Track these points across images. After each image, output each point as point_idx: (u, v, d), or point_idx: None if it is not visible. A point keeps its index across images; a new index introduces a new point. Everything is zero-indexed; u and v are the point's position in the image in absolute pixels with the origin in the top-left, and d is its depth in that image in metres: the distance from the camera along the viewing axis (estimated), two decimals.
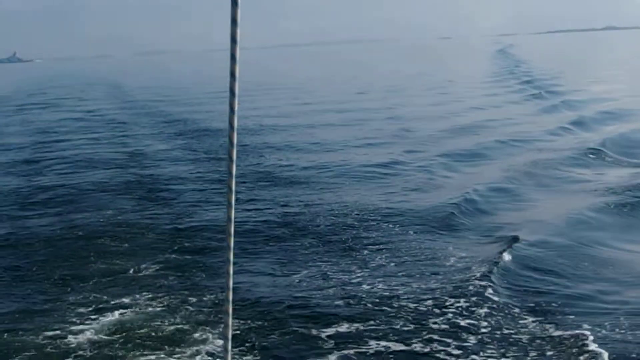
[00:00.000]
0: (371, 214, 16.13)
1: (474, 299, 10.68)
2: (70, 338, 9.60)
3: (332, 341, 9.43)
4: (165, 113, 43.53)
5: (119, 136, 33.25)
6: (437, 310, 10.29)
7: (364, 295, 11.00)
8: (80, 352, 9.19)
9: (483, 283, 11.24)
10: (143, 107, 49.44)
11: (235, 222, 2.94)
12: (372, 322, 9.93)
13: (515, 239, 13.54)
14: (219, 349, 9.05)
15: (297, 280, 11.89)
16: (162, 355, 9.07)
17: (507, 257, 12.49)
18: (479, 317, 10.05)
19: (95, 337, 9.64)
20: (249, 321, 10.06)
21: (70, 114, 47.27)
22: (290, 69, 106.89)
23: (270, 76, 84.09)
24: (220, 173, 21.90)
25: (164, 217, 16.64)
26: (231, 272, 2.93)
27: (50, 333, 9.81)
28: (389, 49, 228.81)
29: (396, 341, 9.32)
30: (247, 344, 9.34)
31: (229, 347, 3.12)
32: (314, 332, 9.73)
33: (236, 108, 2.66)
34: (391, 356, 8.95)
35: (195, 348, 9.26)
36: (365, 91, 55.28)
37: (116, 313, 10.51)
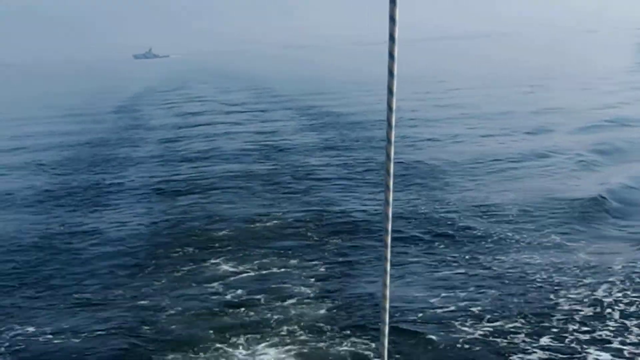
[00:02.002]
0: (510, 210, 15.85)
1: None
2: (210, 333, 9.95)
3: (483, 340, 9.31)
4: (308, 106, 44.44)
5: (262, 128, 34.50)
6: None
7: (516, 300, 10.74)
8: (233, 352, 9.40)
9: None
10: (287, 99, 50.94)
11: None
12: (526, 326, 9.73)
13: None
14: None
15: (442, 279, 11.69)
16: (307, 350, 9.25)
17: None
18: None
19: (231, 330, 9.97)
20: (398, 322, 9.86)
21: (213, 105, 50.13)
22: (419, 63, 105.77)
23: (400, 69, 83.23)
24: (351, 167, 22.23)
25: (312, 212, 16.70)
26: (388, 268, 2.92)
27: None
28: (519, 43, 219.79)
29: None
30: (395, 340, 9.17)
31: (385, 354, 3.09)
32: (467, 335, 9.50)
33: (394, 106, 2.64)
34: None
35: (345, 348, 9.26)
36: (502, 85, 54.13)
37: (272, 308, 10.78)
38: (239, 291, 11.71)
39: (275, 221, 15.94)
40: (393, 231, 2.68)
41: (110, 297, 11.85)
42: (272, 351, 9.47)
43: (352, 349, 9.34)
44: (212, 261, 13.35)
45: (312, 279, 12.13)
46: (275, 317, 10.55)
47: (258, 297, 11.43)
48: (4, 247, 15.00)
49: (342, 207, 16.84)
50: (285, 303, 11.07)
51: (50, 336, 10.34)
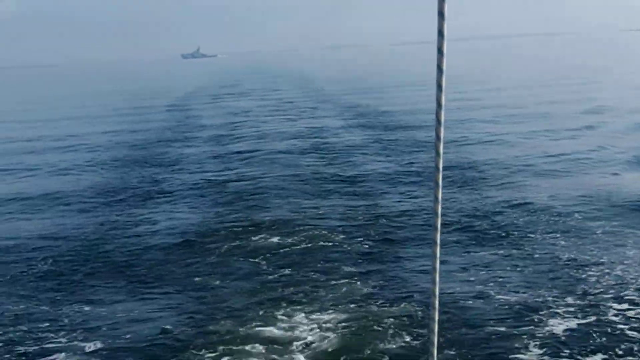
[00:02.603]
0: (558, 208, 15.85)
1: None
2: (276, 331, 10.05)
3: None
4: (355, 105, 44.81)
5: (309, 126, 35.12)
6: None
7: (565, 295, 10.73)
8: (299, 344, 9.51)
9: None
10: (334, 98, 51.62)
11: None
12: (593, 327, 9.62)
13: None
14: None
15: (496, 279, 11.63)
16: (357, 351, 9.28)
17: None
18: None
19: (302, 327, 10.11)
20: (449, 322, 9.86)
21: (261, 103, 51.00)
22: (466, 63, 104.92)
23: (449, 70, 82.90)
24: (395, 167, 22.50)
25: (360, 209, 16.83)
26: (437, 266, 2.91)
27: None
28: (568, 43, 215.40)
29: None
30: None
31: (435, 352, 3.09)
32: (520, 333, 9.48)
33: (443, 102, 2.67)
34: None
35: (393, 346, 9.27)
36: (554, 85, 53.56)
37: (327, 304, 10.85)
38: (286, 269, 12.58)
39: (321, 214, 16.37)
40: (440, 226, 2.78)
41: (164, 274, 12.80)
42: (319, 322, 10.14)
43: (397, 330, 9.74)
44: (260, 239, 14.44)
45: (360, 268, 12.74)
46: (322, 292, 11.30)
47: (306, 272, 12.29)
48: (67, 236, 15.85)
49: (389, 205, 17.05)
50: (332, 279, 11.81)
51: (110, 311, 11.20)
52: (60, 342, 10.10)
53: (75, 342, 10.06)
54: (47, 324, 10.78)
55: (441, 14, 2.53)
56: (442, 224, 2.81)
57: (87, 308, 11.42)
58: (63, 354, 9.69)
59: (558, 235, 13.87)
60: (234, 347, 9.51)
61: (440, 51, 2.62)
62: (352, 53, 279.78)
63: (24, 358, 9.68)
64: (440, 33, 2.58)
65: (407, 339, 9.47)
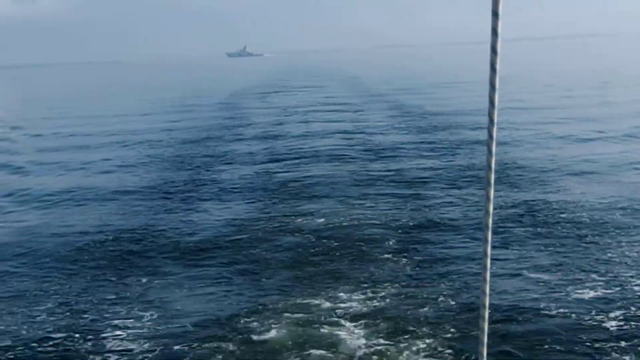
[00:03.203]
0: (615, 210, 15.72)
1: None
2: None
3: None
4: (404, 104, 45.00)
5: (357, 126, 35.41)
6: None
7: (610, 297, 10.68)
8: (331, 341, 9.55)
9: None
10: (381, 97, 51.97)
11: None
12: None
13: None
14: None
15: (550, 282, 11.54)
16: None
17: None
18: None
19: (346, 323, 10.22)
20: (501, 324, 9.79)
21: (310, 101, 51.75)
22: (535, 61, 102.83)
23: (510, 68, 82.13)
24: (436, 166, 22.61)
25: (406, 205, 17.06)
26: (488, 264, 2.89)
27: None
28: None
29: None
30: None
31: (484, 352, 3.06)
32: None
33: (496, 102, 2.66)
34: None
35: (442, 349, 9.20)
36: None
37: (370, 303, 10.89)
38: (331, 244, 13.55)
39: (367, 213, 16.44)
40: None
41: (215, 254, 13.69)
42: (357, 303, 10.79)
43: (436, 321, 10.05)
44: (306, 224, 15.16)
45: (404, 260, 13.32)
46: (365, 273, 12.03)
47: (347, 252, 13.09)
48: (113, 232, 16.24)
49: (438, 204, 17.10)
50: (374, 262, 12.53)
51: (166, 285, 12.15)
52: (120, 312, 11.08)
53: (135, 311, 11.01)
54: (112, 297, 11.77)
55: (495, 14, 2.56)
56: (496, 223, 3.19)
57: (144, 281, 12.41)
58: (123, 322, 10.63)
59: (611, 236, 13.78)
60: (280, 318, 10.25)
61: (494, 50, 2.64)
62: (403, 53, 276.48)
63: (89, 325, 10.63)
64: (494, 32, 2.61)
65: (453, 333, 9.57)
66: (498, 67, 2.64)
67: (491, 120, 2.70)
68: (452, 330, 9.64)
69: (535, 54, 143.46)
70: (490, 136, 2.72)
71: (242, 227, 15.63)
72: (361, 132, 31.65)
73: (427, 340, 9.34)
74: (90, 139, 35.60)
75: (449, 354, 8.99)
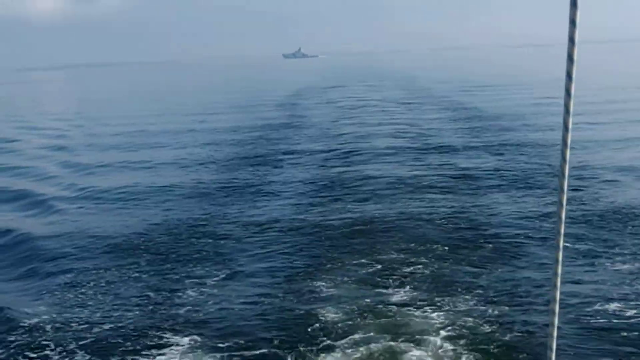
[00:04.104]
0: None
1: None
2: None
3: None
4: (465, 106, 44.04)
5: (415, 128, 34.84)
6: None
7: None
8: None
9: None
10: (442, 99, 50.93)
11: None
12: None
13: None
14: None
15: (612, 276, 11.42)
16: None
17: None
18: None
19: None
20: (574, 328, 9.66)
21: (369, 103, 51.39)
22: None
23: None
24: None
25: (469, 208, 16.93)
26: (559, 271, 2.92)
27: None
28: None
29: None
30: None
31: (553, 357, 3.05)
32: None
33: (571, 109, 2.66)
34: None
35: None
36: None
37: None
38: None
39: (433, 218, 16.16)
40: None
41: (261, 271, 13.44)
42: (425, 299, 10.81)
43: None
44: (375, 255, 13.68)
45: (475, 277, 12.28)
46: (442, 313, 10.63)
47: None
48: (184, 221, 16.97)
49: (504, 211, 16.68)
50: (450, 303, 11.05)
51: (221, 285, 12.39)
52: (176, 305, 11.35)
53: (191, 305, 11.29)
54: (167, 294, 12.06)
55: (573, 22, 2.57)
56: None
57: (197, 281, 12.60)
58: (180, 313, 10.87)
59: None
60: (337, 304, 10.68)
61: (570, 58, 2.63)
62: (466, 55, 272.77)
63: (151, 318, 10.91)
64: (571, 40, 2.60)
65: (520, 335, 9.50)
66: (574, 75, 2.64)
67: (566, 128, 2.70)
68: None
69: (602, 57, 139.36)
70: (565, 143, 2.72)
71: (299, 228, 15.79)
72: (420, 133, 31.41)
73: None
74: (151, 137, 36.20)
75: None
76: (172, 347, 9.70)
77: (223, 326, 10.42)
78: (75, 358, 9.57)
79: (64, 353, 9.73)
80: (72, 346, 9.90)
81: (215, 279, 12.63)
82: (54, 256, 14.72)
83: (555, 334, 2.99)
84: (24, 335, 10.42)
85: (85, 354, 9.66)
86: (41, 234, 16.61)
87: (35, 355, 9.79)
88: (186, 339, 9.93)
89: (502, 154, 24.74)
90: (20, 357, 9.73)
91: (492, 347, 9.22)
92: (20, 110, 65.50)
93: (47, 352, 9.82)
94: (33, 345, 10.06)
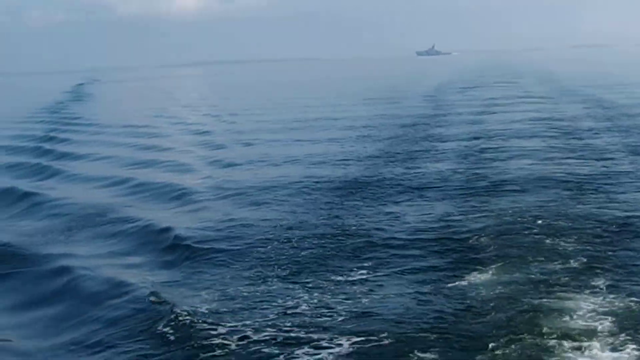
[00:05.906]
0: None
1: None
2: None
3: None
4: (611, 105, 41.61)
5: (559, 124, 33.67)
6: None
7: None
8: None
9: None
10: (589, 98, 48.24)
11: None
12: None
13: None
14: None
15: None
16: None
17: None
18: None
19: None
20: None
21: (514, 101, 49.69)
22: None
23: None
24: None
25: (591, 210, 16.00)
26: None
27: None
28: None
29: None
30: None
31: None
32: None
33: None
34: None
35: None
36: None
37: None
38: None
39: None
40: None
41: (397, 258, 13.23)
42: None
43: None
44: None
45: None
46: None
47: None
48: (304, 229, 15.84)
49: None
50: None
51: (359, 288, 11.74)
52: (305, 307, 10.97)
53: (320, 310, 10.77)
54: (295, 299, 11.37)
55: None
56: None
57: (326, 282, 12.09)
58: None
59: None
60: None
61: None
62: (600, 52, 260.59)
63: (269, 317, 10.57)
64: None
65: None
66: None
67: None
68: None
69: None
70: None
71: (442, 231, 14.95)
72: (569, 132, 30.15)
73: None
74: (297, 133, 36.36)
75: None
76: (332, 349, 9.36)
77: (385, 327, 9.97)
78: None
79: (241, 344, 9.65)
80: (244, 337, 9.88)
81: (370, 275, 12.18)
82: (212, 252, 14.45)
83: None
84: (202, 324, 10.38)
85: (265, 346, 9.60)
86: (194, 232, 16.20)
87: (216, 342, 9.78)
88: (344, 339, 9.56)
89: None
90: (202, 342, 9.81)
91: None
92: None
93: (225, 341, 9.76)
94: (210, 334, 10.02)
